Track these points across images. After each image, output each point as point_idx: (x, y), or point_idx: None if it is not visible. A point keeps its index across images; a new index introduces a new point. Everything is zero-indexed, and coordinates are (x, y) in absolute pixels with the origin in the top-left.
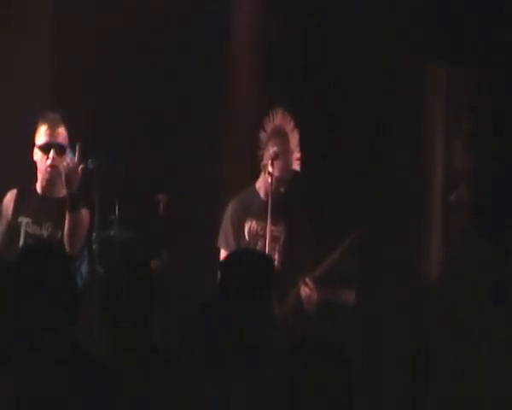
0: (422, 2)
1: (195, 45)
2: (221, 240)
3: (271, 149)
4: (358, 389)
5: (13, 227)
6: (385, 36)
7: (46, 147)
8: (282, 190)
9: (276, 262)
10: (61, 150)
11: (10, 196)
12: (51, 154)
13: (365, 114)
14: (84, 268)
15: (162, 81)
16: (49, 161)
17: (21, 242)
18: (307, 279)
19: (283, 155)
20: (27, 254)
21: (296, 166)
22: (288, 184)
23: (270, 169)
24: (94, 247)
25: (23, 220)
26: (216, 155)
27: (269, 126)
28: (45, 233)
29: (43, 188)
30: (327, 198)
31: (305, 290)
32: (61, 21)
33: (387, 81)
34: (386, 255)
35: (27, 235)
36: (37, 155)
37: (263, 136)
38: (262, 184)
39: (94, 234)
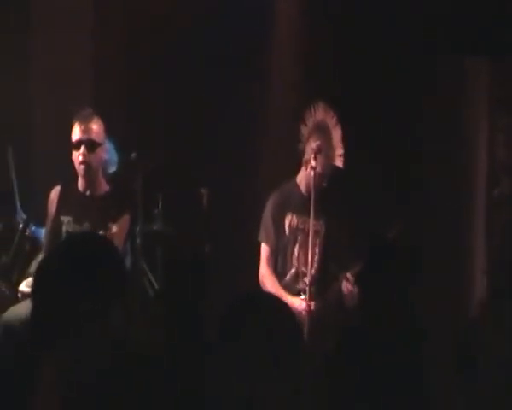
0: (463, 1)
1: (236, 40)
2: (262, 234)
3: (314, 144)
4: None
5: (56, 225)
6: (426, 34)
7: (77, 144)
8: (324, 184)
9: (316, 256)
10: (92, 146)
11: (55, 193)
12: (82, 150)
13: (407, 111)
14: (128, 262)
15: (203, 76)
16: (80, 158)
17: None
18: (348, 275)
19: (325, 149)
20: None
21: (339, 162)
22: (330, 179)
23: (312, 163)
24: (137, 241)
25: (65, 219)
26: (257, 149)
27: (310, 120)
28: (89, 223)
29: (82, 186)
30: (368, 194)
31: (346, 286)
32: (101, 20)
33: (429, 78)
34: (427, 251)
35: (68, 234)
36: (73, 154)
37: (304, 129)
38: (303, 179)
39: (137, 228)
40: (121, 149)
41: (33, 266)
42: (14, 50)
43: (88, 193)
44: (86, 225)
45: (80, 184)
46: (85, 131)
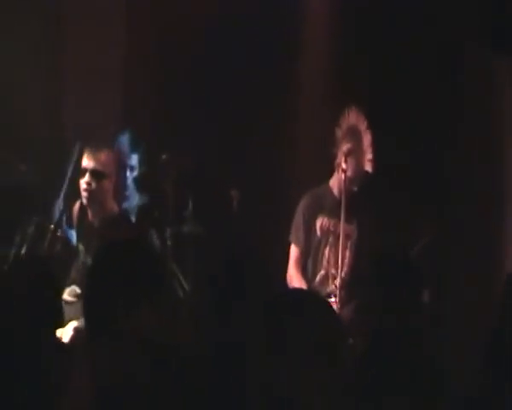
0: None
1: (269, 39)
2: (292, 235)
3: (345, 147)
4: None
5: (75, 252)
6: (453, 35)
7: (84, 171)
8: (355, 188)
9: (347, 260)
10: (97, 175)
11: (75, 210)
12: (86, 178)
13: (435, 114)
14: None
15: (236, 77)
16: (83, 185)
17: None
18: None
19: (356, 154)
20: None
21: (368, 167)
22: (361, 183)
23: (343, 166)
24: (168, 243)
25: (80, 248)
26: (290, 151)
27: (344, 124)
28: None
29: (88, 211)
30: (399, 198)
31: None
32: (130, 23)
33: (456, 80)
34: (456, 255)
35: (83, 264)
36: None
37: (338, 133)
38: (335, 182)
39: (168, 230)
40: (152, 150)
41: (73, 273)
42: (43, 50)
43: (93, 220)
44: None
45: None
46: (92, 159)
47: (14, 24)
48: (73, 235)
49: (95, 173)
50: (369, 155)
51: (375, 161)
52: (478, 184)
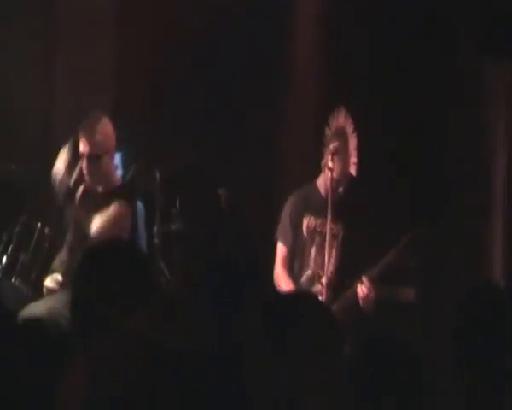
0: (489, 2)
1: (260, 42)
2: (279, 233)
3: (332, 145)
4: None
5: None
6: (452, 37)
7: (81, 156)
8: (341, 190)
9: (333, 259)
10: (95, 159)
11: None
12: (83, 163)
13: (431, 116)
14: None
15: (225, 77)
16: (77, 170)
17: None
18: (364, 278)
19: (342, 154)
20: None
21: (352, 170)
22: (346, 184)
23: (329, 164)
24: (156, 241)
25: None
26: (277, 151)
27: (332, 124)
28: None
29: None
30: (385, 199)
31: (361, 289)
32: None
33: (454, 82)
34: (443, 255)
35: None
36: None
37: (327, 133)
38: (322, 182)
39: (155, 228)
40: (139, 149)
41: (56, 263)
42: (36, 51)
43: (95, 190)
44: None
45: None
46: (88, 143)
47: (6, 23)
48: None
49: (92, 157)
50: (353, 159)
51: (359, 165)
52: (467, 184)
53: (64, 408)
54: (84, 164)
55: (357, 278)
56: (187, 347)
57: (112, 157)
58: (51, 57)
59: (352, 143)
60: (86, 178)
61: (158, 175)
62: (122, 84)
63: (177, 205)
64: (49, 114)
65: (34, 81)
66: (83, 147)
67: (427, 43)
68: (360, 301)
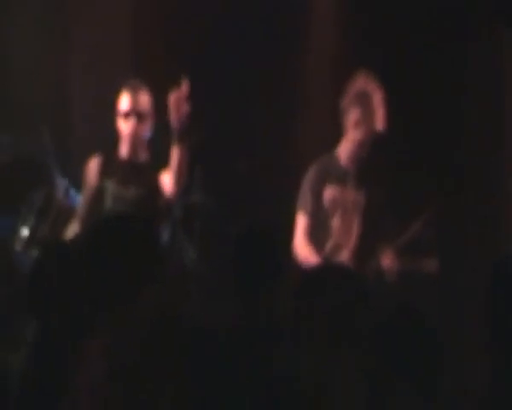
0: None
1: (276, 10)
2: (300, 203)
3: (354, 112)
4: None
5: (98, 191)
6: (467, 7)
7: (127, 114)
8: (364, 155)
9: (356, 228)
10: (141, 117)
11: (93, 164)
12: (132, 121)
13: (447, 84)
14: (167, 233)
15: (243, 49)
16: (129, 129)
17: (107, 204)
18: (388, 249)
19: (366, 118)
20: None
21: (379, 124)
22: (371, 148)
23: (352, 132)
24: (176, 212)
25: (108, 183)
26: (298, 120)
27: (351, 90)
28: (130, 194)
29: (126, 153)
30: (409, 167)
31: (385, 260)
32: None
33: (470, 51)
34: (468, 226)
35: (113, 197)
36: (120, 122)
37: (345, 100)
38: (343, 150)
39: (176, 200)
40: (161, 122)
41: (70, 232)
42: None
43: (132, 159)
44: (132, 189)
45: (125, 151)
46: (135, 101)
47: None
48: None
49: (139, 115)
50: (379, 114)
51: (386, 119)
52: (492, 156)
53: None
54: (132, 121)
55: (380, 248)
56: (205, 321)
57: (150, 127)
58: (66, 31)
59: (377, 98)
60: (132, 137)
61: None
62: (138, 56)
63: (199, 177)
64: (65, 87)
65: (50, 54)
66: (130, 105)
67: (451, 14)
68: (384, 272)
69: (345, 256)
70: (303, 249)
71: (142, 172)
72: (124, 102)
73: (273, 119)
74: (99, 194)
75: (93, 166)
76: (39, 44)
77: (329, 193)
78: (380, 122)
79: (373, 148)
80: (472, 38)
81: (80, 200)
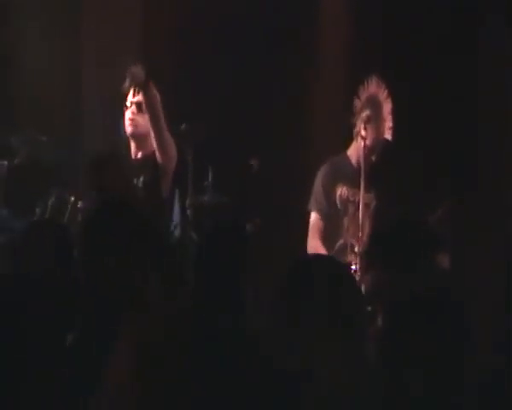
0: None
1: (289, 12)
2: (312, 203)
3: (364, 114)
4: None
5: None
6: (480, 7)
7: (130, 104)
8: (373, 158)
9: (366, 228)
10: (141, 107)
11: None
12: (132, 109)
13: (460, 85)
14: (178, 233)
15: (255, 48)
16: (129, 115)
17: None
18: None
19: (375, 122)
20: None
21: (388, 134)
22: (380, 152)
23: (362, 133)
24: (188, 212)
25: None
26: (309, 121)
27: (363, 94)
28: (139, 185)
29: (131, 141)
30: (420, 167)
31: None
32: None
33: (482, 53)
34: (481, 224)
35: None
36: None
37: (357, 103)
38: (354, 151)
39: (188, 200)
40: (171, 120)
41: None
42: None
43: (139, 155)
44: (140, 181)
45: (128, 137)
46: (137, 92)
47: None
48: None
49: (139, 104)
50: (389, 123)
51: (395, 129)
52: (503, 155)
53: None
54: (131, 110)
55: None
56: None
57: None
58: (78, 30)
59: (387, 108)
60: (132, 127)
61: (190, 146)
62: (150, 55)
63: (210, 176)
64: (78, 87)
65: (61, 53)
66: (132, 95)
67: (455, 15)
68: None
69: (355, 255)
70: (315, 249)
71: (149, 163)
72: (130, 95)
73: (286, 119)
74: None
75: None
76: (54, 45)
77: (340, 193)
78: (388, 133)
79: (383, 151)
80: (485, 41)
81: None
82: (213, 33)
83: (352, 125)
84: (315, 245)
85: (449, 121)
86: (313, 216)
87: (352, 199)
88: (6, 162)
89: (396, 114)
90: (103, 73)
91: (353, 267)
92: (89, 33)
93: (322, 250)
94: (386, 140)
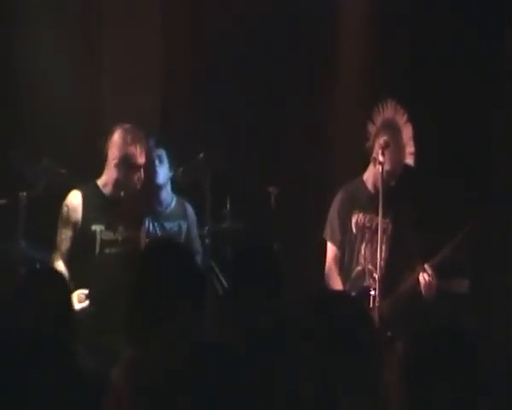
0: None
1: (304, 38)
2: (327, 232)
3: (381, 139)
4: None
5: (87, 235)
6: (494, 26)
7: (120, 161)
8: (392, 183)
9: (383, 254)
10: (133, 168)
11: (76, 200)
12: (122, 170)
13: (476, 108)
14: (198, 261)
15: (271, 75)
16: (118, 176)
17: (97, 249)
18: (426, 266)
19: (394, 147)
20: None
21: (409, 159)
22: (399, 177)
23: (380, 159)
24: (206, 240)
25: (97, 228)
26: (324, 147)
27: (378, 118)
28: (119, 238)
29: (109, 190)
30: (438, 192)
31: (423, 277)
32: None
33: (497, 75)
34: (498, 245)
35: (103, 242)
36: (110, 161)
37: (371, 128)
38: (370, 176)
39: (206, 227)
40: (189, 148)
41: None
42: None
43: (115, 195)
44: (119, 231)
45: (108, 187)
46: (130, 151)
47: (53, 25)
48: None
49: (130, 165)
50: (410, 149)
51: (417, 154)
52: None
53: None
54: (124, 171)
55: (418, 267)
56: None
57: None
58: (97, 58)
59: (407, 133)
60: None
61: (208, 174)
62: (167, 82)
63: (228, 204)
64: (97, 116)
65: (80, 82)
66: (123, 153)
67: (470, 30)
68: (422, 289)
69: (374, 280)
70: (330, 277)
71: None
72: (117, 146)
73: (301, 145)
74: (88, 238)
75: (76, 204)
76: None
77: (357, 220)
78: (410, 158)
79: (403, 176)
80: (500, 53)
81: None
82: (227, 59)
83: (368, 151)
84: (330, 274)
85: (465, 144)
86: (329, 244)
87: (368, 225)
88: (25, 193)
89: (417, 139)
90: (122, 102)
91: (372, 293)
92: (110, 60)
93: (337, 279)
94: (407, 165)
